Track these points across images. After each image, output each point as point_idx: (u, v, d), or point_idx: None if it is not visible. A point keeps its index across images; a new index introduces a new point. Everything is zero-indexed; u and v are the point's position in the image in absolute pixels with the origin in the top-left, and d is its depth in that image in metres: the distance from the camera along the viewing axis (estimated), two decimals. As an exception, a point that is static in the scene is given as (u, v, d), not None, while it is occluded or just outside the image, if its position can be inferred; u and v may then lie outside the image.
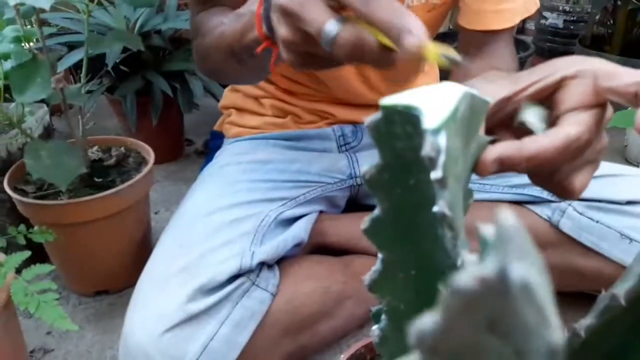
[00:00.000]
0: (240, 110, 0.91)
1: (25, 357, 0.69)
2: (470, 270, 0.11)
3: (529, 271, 0.11)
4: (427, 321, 0.13)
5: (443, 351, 0.14)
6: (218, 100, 1.34)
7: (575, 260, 0.74)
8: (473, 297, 0.12)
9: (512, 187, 0.79)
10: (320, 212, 0.84)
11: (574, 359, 0.29)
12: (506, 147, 0.31)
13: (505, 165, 0.31)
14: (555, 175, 0.35)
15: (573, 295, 0.73)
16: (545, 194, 0.76)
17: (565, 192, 0.36)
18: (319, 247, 0.84)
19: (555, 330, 0.11)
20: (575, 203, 0.73)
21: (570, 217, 0.73)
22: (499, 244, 0.12)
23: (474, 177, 0.98)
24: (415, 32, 0.32)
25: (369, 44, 0.35)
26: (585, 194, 0.79)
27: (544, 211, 0.75)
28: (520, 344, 0.12)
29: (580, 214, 0.73)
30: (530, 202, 0.77)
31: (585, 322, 0.28)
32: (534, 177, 0.37)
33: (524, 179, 0.38)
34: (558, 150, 0.32)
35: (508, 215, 0.12)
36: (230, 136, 0.90)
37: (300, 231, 0.75)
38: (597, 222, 0.71)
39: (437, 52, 0.31)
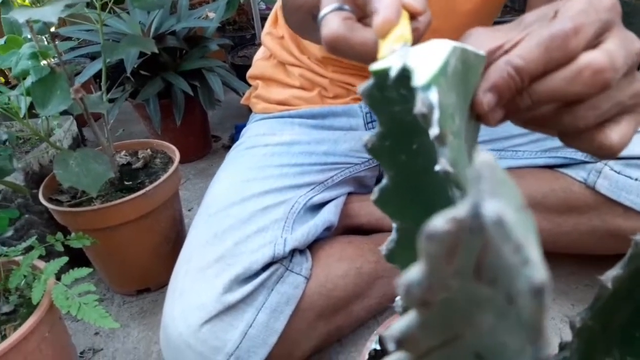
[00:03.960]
0: (267, 80, 0.90)
1: (75, 358, 0.72)
2: (444, 213, 0.11)
3: (503, 207, 0.10)
4: (412, 273, 0.12)
5: (435, 304, 0.13)
6: (239, 94, 1.35)
7: (615, 221, 0.70)
8: (451, 240, 0.11)
9: (545, 152, 0.76)
10: (349, 193, 0.84)
11: (604, 312, 0.28)
12: (494, 73, 0.27)
13: (502, 92, 0.27)
14: (577, 120, 0.29)
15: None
16: (579, 155, 0.72)
17: (601, 148, 0.30)
18: (349, 229, 0.83)
19: (536, 267, 0.10)
20: (612, 162, 0.70)
21: (607, 176, 0.69)
22: (474, 184, 0.11)
23: (507, 144, 0.93)
24: (382, 12, 0.29)
25: (342, 40, 0.32)
26: (623, 151, 0.75)
27: (579, 173, 0.72)
28: (508, 288, 0.11)
29: (618, 172, 0.69)
30: (564, 165, 0.75)
31: (612, 273, 0.27)
32: (564, 136, 0.32)
33: (557, 142, 0.33)
34: (544, 46, 0.27)
35: (485, 156, 0.12)
36: (257, 111, 0.90)
37: (330, 215, 0.74)
38: (636, 179, 0.67)
39: (389, 45, 0.28)
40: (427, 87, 0.21)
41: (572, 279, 0.83)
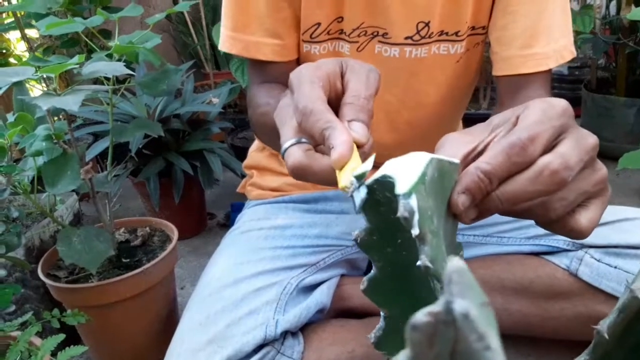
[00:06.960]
0: (262, 170, 0.95)
1: None
2: (425, 309, 0.14)
3: (469, 305, 0.13)
4: (400, 358, 0.15)
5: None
6: (237, 175, 1.40)
7: (598, 308, 0.73)
8: (430, 330, 0.14)
9: (529, 239, 0.80)
10: (342, 275, 0.86)
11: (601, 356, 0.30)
12: (466, 177, 0.31)
13: (474, 193, 0.31)
14: (549, 212, 0.34)
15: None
16: (561, 244, 0.76)
17: (573, 232, 0.35)
18: (342, 312, 0.84)
19: (496, 352, 0.13)
20: (592, 250, 0.74)
21: (588, 264, 0.73)
22: (446, 287, 0.14)
23: (492, 230, 0.97)
24: (338, 149, 0.34)
25: (307, 169, 0.38)
26: (601, 240, 0.77)
27: (562, 261, 0.76)
28: (477, 370, 0.14)
29: (598, 260, 0.72)
30: (548, 252, 0.78)
31: (606, 322, 0.29)
32: (538, 220, 0.36)
33: (541, 229, 0.38)
34: (506, 153, 0.31)
35: (455, 262, 0.15)
36: (252, 198, 0.94)
37: (322, 297, 0.76)
38: (616, 267, 0.71)
39: (346, 175, 0.33)
40: (408, 194, 0.24)
41: None
